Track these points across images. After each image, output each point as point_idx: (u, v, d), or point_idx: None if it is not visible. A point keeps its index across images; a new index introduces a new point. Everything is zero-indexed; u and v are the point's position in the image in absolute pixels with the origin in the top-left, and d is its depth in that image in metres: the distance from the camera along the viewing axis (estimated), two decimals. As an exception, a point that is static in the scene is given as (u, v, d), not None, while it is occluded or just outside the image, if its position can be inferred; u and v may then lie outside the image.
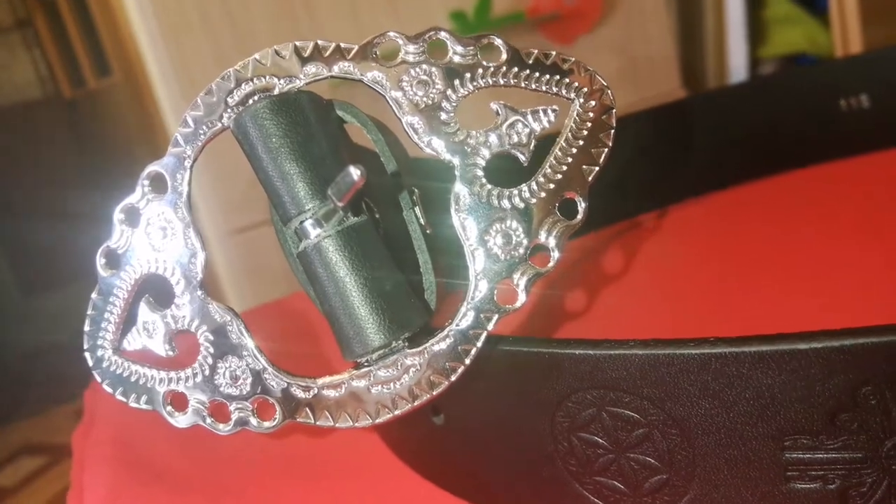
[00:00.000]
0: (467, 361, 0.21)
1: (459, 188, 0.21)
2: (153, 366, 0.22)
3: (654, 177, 0.43)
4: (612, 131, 0.20)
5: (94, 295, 0.23)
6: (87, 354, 0.23)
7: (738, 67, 0.94)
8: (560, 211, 0.21)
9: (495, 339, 0.21)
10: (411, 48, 0.21)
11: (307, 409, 0.21)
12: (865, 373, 0.17)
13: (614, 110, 0.21)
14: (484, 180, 0.21)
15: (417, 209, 0.23)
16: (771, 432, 0.19)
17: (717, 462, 0.19)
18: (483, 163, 0.21)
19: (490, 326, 0.21)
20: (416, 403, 0.21)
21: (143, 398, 0.22)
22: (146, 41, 0.71)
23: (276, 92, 0.21)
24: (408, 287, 0.21)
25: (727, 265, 0.36)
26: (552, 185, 0.20)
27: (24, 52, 1.64)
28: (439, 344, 0.21)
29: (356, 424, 0.21)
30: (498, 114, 0.21)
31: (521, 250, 0.20)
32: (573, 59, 0.21)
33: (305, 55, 0.21)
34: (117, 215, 0.22)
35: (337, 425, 0.21)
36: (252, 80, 0.22)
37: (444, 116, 0.21)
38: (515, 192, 0.21)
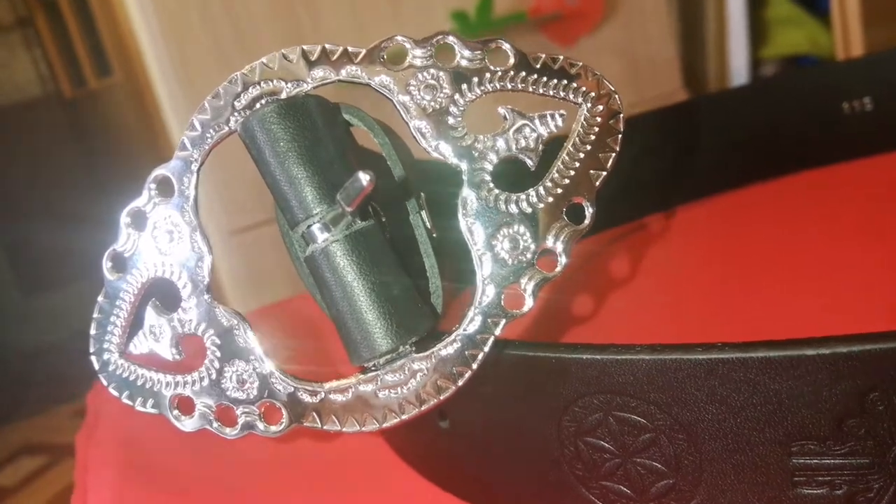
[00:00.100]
0: (474, 366, 0.21)
1: (467, 192, 0.21)
2: (159, 369, 0.22)
3: (658, 179, 0.43)
4: (620, 136, 0.20)
5: (100, 298, 0.23)
6: (92, 358, 0.23)
7: (739, 68, 0.94)
8: (567, 216, 0.21)
9: (502, 344, 0.21)
10: (419, 52, 0.21)
11: (314, 413, 0.21)
12: (873, 379, 0.17)
13: (622, 115, 0.21)
14: (492, 185, 0.21)
15: (424, 213, 0.23)
16: (778, 438, 0.19)
17: (723, 467, 0.19)
18: (490, 167, 0.21)
19: (497, 331, 0.21)
20: (423, 408, 0.21)
21: (150, 402, 0.22)
22: (147, 41, 0.71)
23: (283, 96, 0.21)
24: (415, 292, 0.21)
25: (732, 267, 0.36)
26: (560, 190, 0.20)
27: (25, 51, 1.64)
28: (447, 348, 0.21)
29: (363, 429, 0.21)
30: (505, 118, 0.21)
31: (529, 255, 0.21)
32: (581, 63, 0.21)
33: (313, 59, 0.21)
34: (124, 219, 0.22)
35: (344, 430, 0.21)
36: (259, 83, 0.22)
37: (451, 121, 0.21)
38: (523, 196, 0.21)
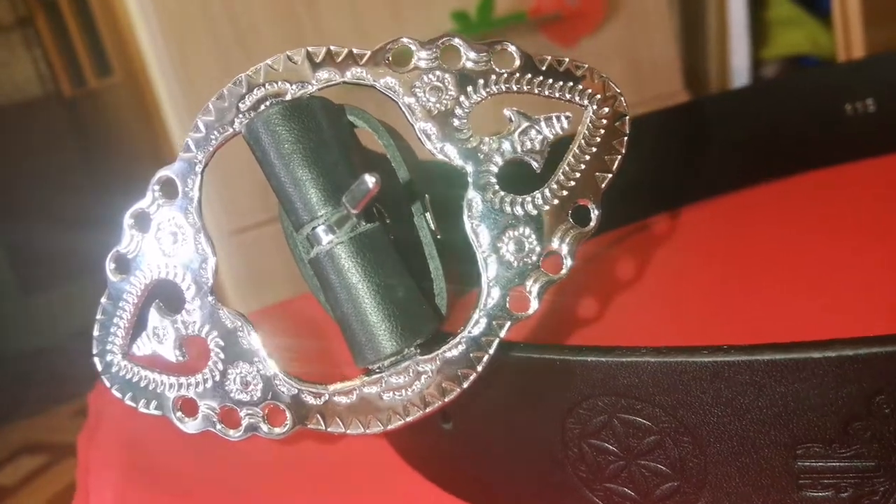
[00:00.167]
0: (479, 368, 0.21)
1: (472, 195, 0.21)
2: (163, 371, 0.22)
3: (662, 180, 0.43)
4: (626, 138, 0.20)
5: (103, 300, 0.23)
6: (95, 359, 0.23)
7: (740, 69, 0.94)
8: (573, 218, 0.21)
9: (507, 346, 0.21)
10: (424, 54, 0.21)
11: (318, 415, 0.21)
12: (879, 381, 0.17)
13: (627, 117, 0.21)
14: (497, 187, 0.21)
15: (428, 215, 0.23)
16: (783, 440, 0.18)
17: (728, 470, 0.19)
18: (496, 169, 0.21)
19: (502, 333, 0.21)
20: (427, 410, 0.21)
21: (153, 403, 0.22)
22: (147, 41, 0.71)
23: (288, 97, 0.21)
24: (419, 294, 0.21)
25: (736, 268, 0.36)
26: (565, 192, 0.20)
27: (25, 50, 1.64)
28: (451, 351, 0.21)
29: (367, 431, 0.21)
30: (511, 120, 0.21)
31: (534, 257, 0.20)
32: (586, 65, 0.21)
33: (317, 61, 0.21)
34: (127, 220, 0.22)
35: (348, 432, 0.21)
36: (264, 85, 0.22)
37: (456, 123, 0.21)
38: (528, 198, 0.20)
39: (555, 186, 0.21)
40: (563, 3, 0.84)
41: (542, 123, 0.20)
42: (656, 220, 0.45)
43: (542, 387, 0.21)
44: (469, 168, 0.21)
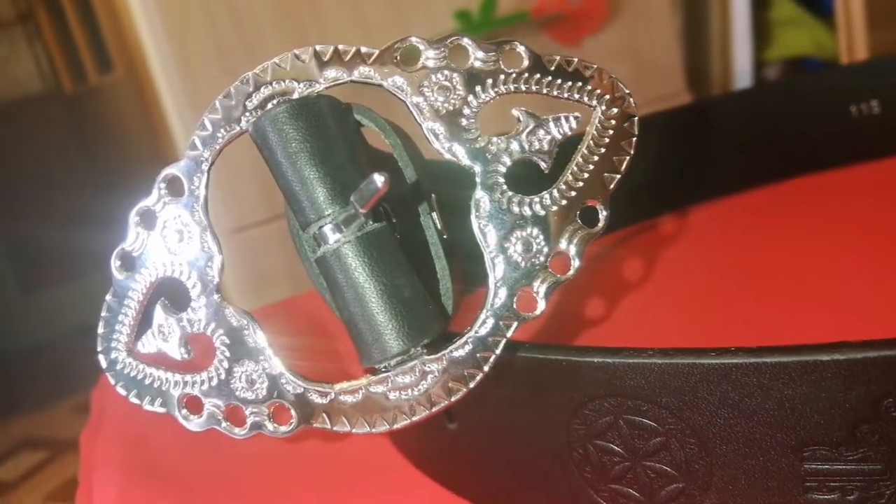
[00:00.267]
0: (486, 368, 0.21)
1: (480, 194, 0.21)
2: (168, 369, 0.22)
3: (666, 181, 0.43)
4: (635, 139, 0.20)
5: (108, 297, 0.23)
6: (100, 356, 0.23)
7: (742, 70, 0.94)
8: (581, 218, 0.21)
9: (513, 346, 0.21)
10: (432, 53, 0.21)
11: (324, 414, 0.21)
12: (887, 385, 0.17)
13: (636, 118, 0.21)
14: (505, 187, 0.21)
15: (434, 215, 0.23)
16: (790, 443, 0.18)
17: (734, 472, 0.19)
18: (504, 169, 0.21)
19: (509, 334, 0.21)
20: (433, 410, 0.21)
21: (158, 401, 0.22)
22: (149, 37, 0.71)
23: (295, 96, 0.21)
24: (426, 294, 0.21)
25: (741, 270, 0.36)
26: (573, 193, 0.20)
27: (26, 46, 1.63)
28: (458, 351, 0.21)
29: (373, 430, 0.21)
30: (519, 120, 0.21)
31: (542, 258, 0.20)
32: (595, 65, 0.21)
33: (325, 59, 0.21)
34: (133, 217, 0.22)
35: (354, 431, 0.21)
36: (271, 83, 0.21)
37: (464, 122, 0.21)
38: (536, 199, 0.20)
39: (563, 187, 0.21)
40: (565, 3, 0.84)
41: (551, 124, 0.20)
42: (661, 220, 0.45)
43: (548, 387, 0.21)
44: (477, 168, 0.21)
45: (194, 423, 0.22)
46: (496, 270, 0.21)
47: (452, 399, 0.21)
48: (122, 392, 0.22)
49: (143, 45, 0.73)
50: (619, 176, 0.20)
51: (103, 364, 0.23)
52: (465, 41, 0.21)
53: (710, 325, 0.31)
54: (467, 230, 0.21)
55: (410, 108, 0.21)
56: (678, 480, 0.20)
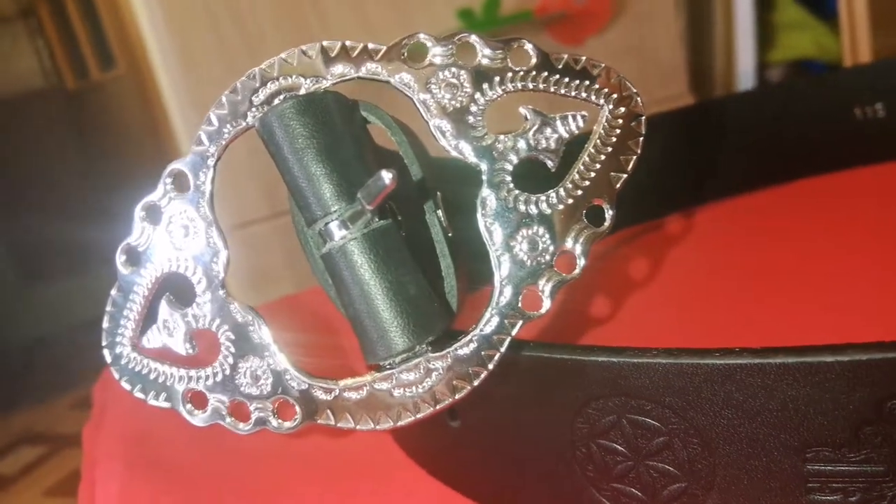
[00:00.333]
0: (490, 366, 0.21)
1: (486, 193, 0.21)
2: (172, 364, 0.22)
3: (670, 181, 0.43)
4: (642, 139, 0.20)
5: (113, 292, 0.23)
6: (105, 351, 0.23)
7: (745, 72, 0.94)
8: (587, 217, 0.21)
9: (518, 345, 0.21)
10: (440, 50, 0.21)
11: (328, 410, 0.21)
12: (891, 387, 0.17)
13: (643, 118, 0.21)
14: (511, 185, 0.21)
15: (440, 212, 0.23)
16: (793, 444, 0.18)
17: (737, 472, 0.19)
18: (511, 168, 0.21)
19: (514, 332, 0.21)
20: (438, 407, 0.21)
21: (162, 396, 0.22)
22: (150, 34, 0.71)
23: (302, 92, 0.21)
24: (431, 291, 0.21)
25: (745, 271, 0.36)
26: (580, 192, 0.20)
27: (28, 42, 1.63)
28: (463, 348, 0.21)
29: (377, 427, 0.21)
30: (527, 118, 0.21)
31: (548, 256, 0.20)
32: (603, 64, 0.21)
33: (332, 55, 0.21)
34: (138, 212, 0.22)
35: (358, 427, 0.21)
36: (278, 79, 0.21)
37: (471, 120, 0.21)
38: (543, 197, 0.20)
39: (569, 186, 0.21)
40: (569, 3, 0.84)
41: (558, 122, 0.20)
42: (666, 221, 0.45)
43: (552, 386, 0.21)
44: (483, 166, 0.21)
45: (198, 419, 0.22)
46: (502, 269, 0.21)
47: (457, 397, 0.21)
48: (127, 386, 0.22)
49: (144, 42, 0.73)
50: (625, 175, 0.21)
51: (108, 358, 0.23)
52: (473, 38, 0.21)
53: (714, 326, 0.31)
54: (472, 228, 0.21)
55: (417, 104, 0.21)
56: (680, 480, 0.20)
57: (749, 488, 0.19)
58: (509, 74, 0.21)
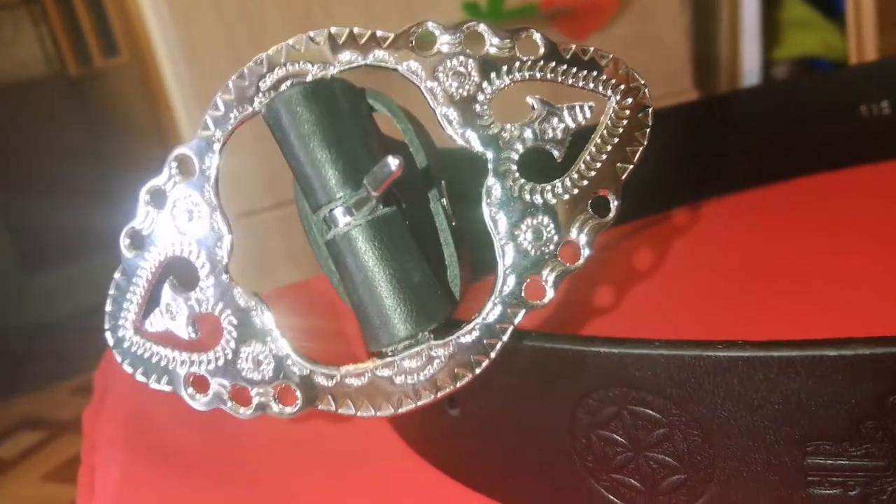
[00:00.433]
0: (492, 355, 0.21)
1: (492, 181, 0.21)
2: (175, 347, 0.22)
3: (674, 176, 0.43)
4: (648, 130, 0.20)
5: (116, 275, 0.23)
6: (107, 334, 0.23)
7: (750, 68, 0.94)
8: (592, 208, 0.21)
9: (520, 334, 0.21)
10: (448, 38, 0.21)
11: (329, 396, 0.21)
12: (893, 381, 0.17)
13: (651, 109, 0.21)
14: (517, 174, 0.21)
15: (444, 201, 0.23)
16: (794, 437, 0.19)
17: (737, 465, 0.19)
18: (517, 157, 0.21)
19: (517, 321, 0.21)
20: (439, 395, 0.21)
21: (164, 379, 0.22)
22: (154, 21, 0.71)
23: (309, 78, 0.21)
24: (434, 279, 0.21)
25: (749, 266, 0.36)
26: (585, 182, 0.20)
27: (31, 28, 1.63)
28: (465, 337, 0.21)
29: (378, 414, 0.21)
30: (533, 108, 0.21)
31: (552, 246, 0.20)
32: (611, 55, 0.20)
33: (340, 42, 0.21)
34: (143, 196, 0.22)
35: (358, 414, 0.21)
36: (285, 65, 0.21)
37: (478, 108, 0.21)
38: (548, 187, 0.20)
39: (575, 176, 0.20)
40: (574, -4, 0.84)
41: (565, 112, 0.20)
42: (669, 215, 0.45)
43: (554, 376, 0.21)
44: (489, 155, 0.21)
45: (200, 403, 0.22)
46: (506, 258, 0.21)
47: (458, 385, 0.21)
48: (129, 370, 0.23)
49: (148, 30, 0.73)
50: (631, 166, 0.20)
51: (110, 341, 0.23)
52: (482, 27, 0.21)
53: (716, 320, 0.31)
54: (477, 217, 0.21)
55: (424, 93, 0.21)
56: (680, 472, 0.20)
57: (749, 481, 0.19)
58: (517, 64, 0.21)
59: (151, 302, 0.22)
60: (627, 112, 0.21)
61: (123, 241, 0.22)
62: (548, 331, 0.22)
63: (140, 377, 0.22)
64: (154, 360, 0.22)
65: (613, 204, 0.20)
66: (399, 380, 0.21)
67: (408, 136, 0.23)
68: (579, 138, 0.21)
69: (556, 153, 0.20)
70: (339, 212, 0.21)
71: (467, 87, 0.21)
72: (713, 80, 0.96)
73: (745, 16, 0.92)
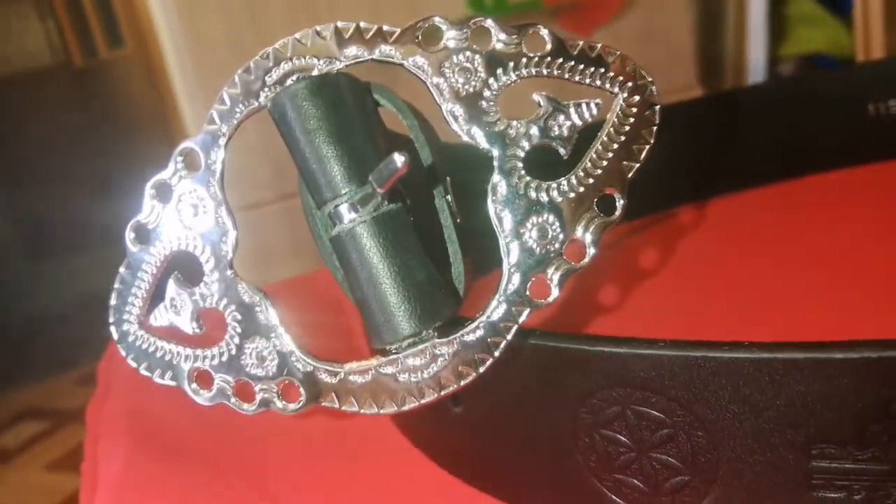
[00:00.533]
0: (496, 353, 0.21)
1: (497, 179, 0.20)
2: (179, 342, 0.22)
3: (681, 172, 0.43)
4: (655, 128, 0.20)
5: (121, 269, 0.23)
6: (111, 328, 0.23)
7: (756, 64, 0.93)
8: (598, 206, 0.20)
9: (524, 333, 0.21)
10: (454, 34, 0.21)
11: (333, 393, 0.21)
12: (900, 385, 0.17)
13: (658, 107, 0.20)
14: (523, 172, 0.20)
15: (449, 197, 0.23)
16: (799, 440, 0.18)
17: (740, 467, 0.19)
18: (523, 154, 0.20)
19: (521, 320, 0.21)
20: (442, 393, 0.21)
21: (168, 374, 0.22)
22: (160, 14, 0.71)
23: (315, 73, 0.21)
24: (439, 277, 0.21)
25: (756, 264, 0.36)
26: (591, 180, 0.20)
27: (37, 18, 1.62)
28: (470, 335, 0.21)
29: (381, 411, 0.21)
30: (540, 105, 0.20)
31: (557, 245, 0.20)
32: (619, 52, 0.20)
33: (346, 36, 0.21)
34: (149, 190, 0.22)
35: (362, 411, 0.21)
36: (291, 59, 0.21)
37: (484, 105, 0.21)
38: (554, 185, 0.20)
39: (581, 174, 0.20)
40: (579, -10, 0.84)
41: (572, 109, 0.20)
42: (675, 213, 0.45)
43: (557, 375, 0.21)
44: (495, 152, 0.21)
45: (203, 398, 0.22)
46: (511, 256, 0.20)
47: (462, 383, 0.21)
48: (133, 364, 0.23)
49: (154, 22, 0.72)
50: (637, 165, 0.20)
51: (114, 335, 0.23)
52: (488, 23, 0.20)
53: (721, 320, 0.31)
54: (482, 215, 0.21)
55: (431, 88, 0.21)
56: (684, 473, 0.20)
57: (752, 483, 0.19)
58: (524, 60, 0.20)
59: (156, 296, 0.22)
60: (634, 110, 0.20)
61: (129, 235, 0.22)
62: (552, 329, 0.22)
63: (144, 372, 0.22)
64: (158, 354, 0.22)
65: (619, 202, 0.20)
66: (403, 377, 0.21)
67: (413, 131, 0.23)
68: (586, 135, 0.21)
69: (562, 151, 0.20)
70: (343, 208, 0.21)
71: (473, 83, 0.20)
72: (719, 74, 0.95)
73: (751, 11, 0.92)
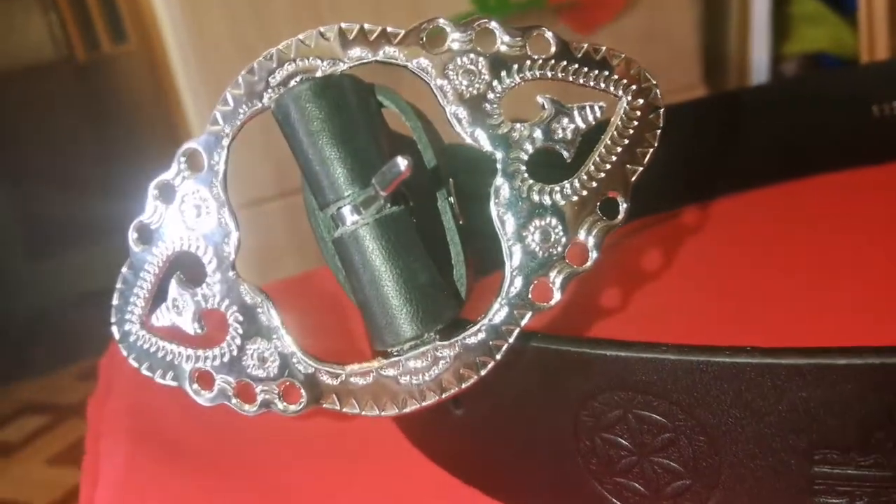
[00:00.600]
0: (498, 356, 0.21)
1: (500, 182, 0.20)
2: (180, 343, 0.22)
3: (684, 173, 0.42)
4: (659, 131, 0.20)
5: (124, 269, 0.23)
6: (113, 328, 0.23)
7: (760, 63, 0.93)
8: (601, 210, 0.20)
9: (526, 336, 0.21)
10: (458, 36, 0.20)
11: (334, 395, 0.21)
12: (904, 391, 0.17)
13: (662, 110, 0.20)
14: (526, 175, 0.20)
15: (452, 199, 0.22)
16: (801, 446, 0.18)
17: (742, 472, 0.19)
18: (526, 157, 0.20)
19: (523, 323, 0.20)
20: (444, 396, 0.21)
21: (170, 374, 0.22)
22: (163, 9, 0.71)
23: (318, 74, 0.21)
24: (441, 279, 0.21)
25: (760, 265, 0.36)
26: (594, 184, 0.20)
27: (40, 13, 1.62)
28: (471, 338, 0.21)
29: (382, 413, 0.21)
30: (544, 108, 0.20)
31: (560, 248, 0.20)
32: (623, 54, 0.20)
33: (350, 38, 0.21)
34: (152, 191, 0.22)
35: (363, 413, 0.21)
36: (295, 60, 0.21)
37: (488, 107, 0.20)
38: (557, 188, 0.20)
39: (584, 177, 0.20)
40: (582, -11, 0.83)
41: (575, 112, 0.20)
42: (678, 213, 0.45)
43: (559, 378, 0.21)
44: (498, 154, 0.20)
45: (205, 398, 0.22)
46: (513, 259, 0.20)
47: (463, 386, 0.21)
48: (135, 364, 0.23)
49: (157, 17, 0.72)
50: (641, 168, 0.20)
51: (116, 335, 0.23)
52: (493, 25, 0.20)
53: (724, 323, 0.31)
54: (484, 217, 0.21)
55: (434, 90, 0.21)
56: (685, 477, 0.20)
57: (754, 488, 0.19)
58: (528, 62, 0.20)
59: (158, 297, 0.22)
60: (638, 113, 0.20)
61: (131, 235, 0.22)
62: (554, 332, 0.22)
63: (145, 372, 0.22)
64: (160, 354, 0.22)
65: (622, 206, 0.20)
66: (404, 380, 0.21)
67: (416, 133, 0.23)
68: (589, 138, 0.21)
69: (565, 154, 0.20)
70: (346, 210, 0.21)
71: (477, 85, 0.20)
72: (722, 73, 0.95)
73: (755, 9, 0.91)
